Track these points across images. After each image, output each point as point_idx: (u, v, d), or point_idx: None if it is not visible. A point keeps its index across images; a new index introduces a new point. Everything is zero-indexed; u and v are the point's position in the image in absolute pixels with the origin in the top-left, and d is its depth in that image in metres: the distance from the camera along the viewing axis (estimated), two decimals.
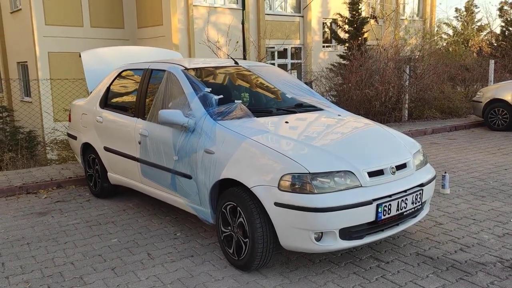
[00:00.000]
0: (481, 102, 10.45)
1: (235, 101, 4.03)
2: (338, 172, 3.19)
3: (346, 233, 3.18)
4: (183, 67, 4.38)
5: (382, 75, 10.68)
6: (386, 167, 3.39)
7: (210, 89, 4.11)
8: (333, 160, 3.28)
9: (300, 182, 3.12)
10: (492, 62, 12.61)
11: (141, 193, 4.94)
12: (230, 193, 3.50)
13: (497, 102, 10.13)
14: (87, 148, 5.56)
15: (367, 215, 3.20)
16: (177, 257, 3.76)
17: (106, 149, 5.10)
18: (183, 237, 4.20)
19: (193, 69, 4.42)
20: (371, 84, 10.55)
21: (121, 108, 5.00)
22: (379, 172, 3.35)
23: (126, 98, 5.03)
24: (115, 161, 5.00)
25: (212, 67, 4.64)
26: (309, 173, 3.12)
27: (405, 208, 3.44)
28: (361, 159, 3.36)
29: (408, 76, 11.13)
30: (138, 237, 4.22)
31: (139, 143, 4.49)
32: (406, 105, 11.16)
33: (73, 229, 4.48)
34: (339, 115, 4.29)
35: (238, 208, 3.41)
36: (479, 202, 5.04)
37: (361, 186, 3.23)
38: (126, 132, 4.72)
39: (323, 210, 3.05)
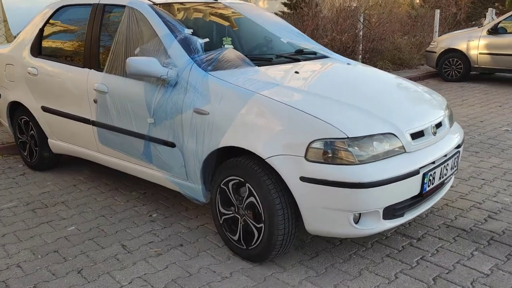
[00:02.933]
0: (435, 52, 10.19)
1: (225, 45, 3.14)
2: (379, 135, 2.49)
3: (390, 211, 2.53)
4: (150, 1, 3.38)
5: (335, 23, 10.04)
6: (427, 127, 2.74)
7: (192, 30, 3.17)
8: (372, 120, 2.57)
9: (336, 150, 2.39)
10: (437, 12, 12.41)
11: (92, 162, 3.97)
12: (234, 166, 2.70)
13: (451, 52, 9.91)
14: (16, 108, 4.40)
15: (413, 187, 2.57)
16: (163, 248, 2.93)
17: (45, 109, 4.01)
18: (161, 219, 3.35)
19: (164, 4, 3.43)
20: (325, 34, 9.90)
21: (63, 57, 3.90)
22: (420, 134, 2.70)
23: (69, 44, 3.91)
24: (59, 125, 3.95)
25: (186, 2, 3.65)
26: (348, 137, 2.39)
27: (445, 175, 2.85)
28: (401, 117, 2.68)
29: (362, 26, 10.59)
30: (103, 222, 3.31)
31: (95, 101, 3.49)
32: (360, 56, 10.69)
33: (10, 214, 3.46)
34: (348, 63, 3.56)
35: (248, 185, 2.63)
36: (475, 158, 4.64)
37: (405, 151, 2.56)
38: (74, 87, 3.67)
39: (368, 185, 2.36)
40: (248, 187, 2.63)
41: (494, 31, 9.32)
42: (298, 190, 2.46)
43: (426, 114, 2.84)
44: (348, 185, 2.36)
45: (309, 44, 3.75)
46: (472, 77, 9.87)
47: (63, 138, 4.00)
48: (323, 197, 2.41)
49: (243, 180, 2.66)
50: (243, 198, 2.70)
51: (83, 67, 3.62)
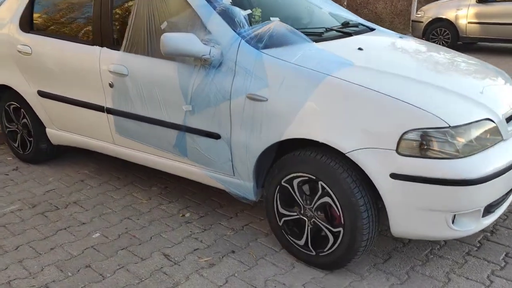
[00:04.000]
0: (422, 22, 9.98)
1: (271, 18, 2.69)
2: (479, 121, 2.16)
3: (487, 208, 2.22)
4: None
5: None
6: None
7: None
8: (469, 104, 2.22)
9: (436, 142, 2.04)
10: None
11: (95, 152, 3.48)
12: (301, 161, 2.31)
13: (439, 22, 9.72)
14: (2, 92, 3.80)
15: (511, 180, 2.27)
16: (213, 257, 2.53)
17: (43, 94, 3.45)
18: (196, 219, 2.94)
19: None
20: None
21: (64, 32, 3.32)
22: (510, 118, 2.39)
23: (70, 17, 3.33)
24: (61, 113, 3.40)
25: None
26: (450, 126, 2.04)
27: None
28: (492, 100, 2.35)
29: None
30: (131, 226, 2.86)
31: (111, 85, 2.98)
32: None
33: (17, 220, 2.95)
34: (400, 37, 3.18)
35: (321, 183, 2.25)
36: None
37: (503, 139, 2.25)
38: (81, 69, 3.13)
39: (474, 182, 2.03)
40: (322, 185, 2.26)
41: None
42: (387, 188, 2.10)
43: (508, 95, 2.53)
44: (451, 183, 2.03)
45: (348, 15, 3.34)
46: (459, 47, 9.74)
47: (66, 128, 3.47)
48: (418, 196, 2.08)
49: (314, 177, 2.28)
50: (313, 198, 2.32)
51: (92, 45, 3.08)
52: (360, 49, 2.62)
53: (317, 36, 2.77)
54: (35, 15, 3.48)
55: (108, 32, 3.01)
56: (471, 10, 9.32)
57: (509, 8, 8.97)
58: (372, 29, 3.19)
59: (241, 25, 2.56)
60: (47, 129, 3.62)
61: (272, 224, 2.56)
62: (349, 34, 2.92)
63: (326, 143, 2.19)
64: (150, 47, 2.79)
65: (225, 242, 2.67)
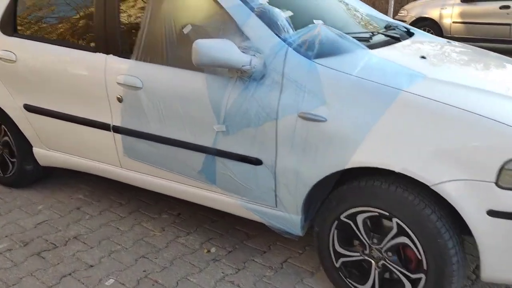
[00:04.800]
0: (405, 21, 9.80)
1: (314, 21, 2.29)
2: None
3: None
4: None
5: None
6: None
7: None
8: None
9: None
10: None
11: (89, 174, 3.02)
12: (370, 193, 1.94)
13: (423, 21, 9.58)
14: None
15: None
16: None
17: (31, 109, 2.93)
18: (224, 255, 2.52)
19: None
20: None
21: (58, 35, 2.81)
22: None
23: (66, 17, 2.82)
24: (54, 130, 2.90)
25: None
26: None
27: None
28: None
29: None
30: (149, 268, 2.41)
31: (119, 100, 2.51)
32: None
33: (8, 265, 2.43)
34: (448, 41, 2.85)
35: (397, 221, 1.89)
36: None
37: None
38: (82, 80, 2.64)
39: None
40: (397, 223, 1.89)
41: None
42: (484, 228, 1.76)
43: None
44: None
45: (383, 16, 3.00)
46: None
47: (59, 148, 2.96)
48: None
49: (387, 213, 1.91)
50: (385, 238, 1.96)
51: (95, 51, 2.59)
52: (423, 57, 2.26)
53: (365, 41, 2.39)
54: (20, 15, 2.95)
55: (115, 36, 2.54)
56: (455, 9, 9.22)
57: (493, 8, 8.91)
58: (412, 33, 2.84)
59: (285, 29, 2.15)
60: (34, 149, 3.10)
61: (325, 264, 2.17)
62: (397, 39, 2.56)
63: (405, 173, 1.82)
64: (170, 55, 2.35)
65: (266, 286, 2.27)
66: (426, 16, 9.52)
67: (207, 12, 2.28)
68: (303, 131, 2.02)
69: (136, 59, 2.44)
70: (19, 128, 3.06)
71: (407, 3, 11.87)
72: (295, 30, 2.19)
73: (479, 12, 8.99)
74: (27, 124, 3.00)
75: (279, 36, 2.12)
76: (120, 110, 2.53)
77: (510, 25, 8.79)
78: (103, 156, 2.75)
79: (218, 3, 2.23)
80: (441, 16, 9.37)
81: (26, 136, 3.07)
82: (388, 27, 2.75)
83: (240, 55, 2.06)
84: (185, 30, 2.31)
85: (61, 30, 2.78)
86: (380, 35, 2.54)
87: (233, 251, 2.56)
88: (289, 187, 2.13)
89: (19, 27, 2.94)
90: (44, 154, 3.06)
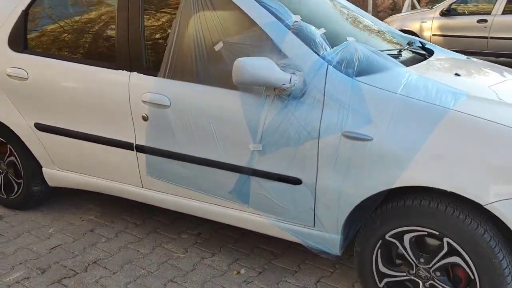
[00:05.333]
0: None
1: (347, 38, 2.28)
2: None
3: None
4: None
5: None
6: None
7: (299, 15, 2.27)
8: None
9: None
10: None
11: (96, 193, 2.92)
12: (417, 212, 1.92)
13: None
14: None
15: None
16: None
17: (42, 127, 2.81)
18: (255, 276, 2.45)
19: None
20: None
21: (73, 52, 2.71)
22: None
23: (81, 32, 2.72)
24: (68, 150, 2.78)
25: None
26: None
27: None
28: None
29: None
30: None
31: (144, 118, 2.43)
32: None
33: None
34: (467, 57, 2.89)
35: (448, 240, 1.87)
36: None
37: None
38: (102, 98, 2.55)
39: None
40: (448, 243, 1.88)
41: (447, 12, 9.32)
42: None
43: None
44: None
45: (395, 30, 3.03)
46: None
47: (72, 168, 2.84)
48: None
49: (436, 233, 1.89)
50: (434, 257, 1.94)
51: (117, 69, 2.51)
52: (457, 74, 2.28)
53: (396, 58, 2.39)
54: (31, 30, 2.83)
55: (139, 53, 2.46)
56: (435, 23, 9.44)
57: (470, 22, 9.18)
58: (432, 50, 2.86)
59: (323, 46, 2.13)
60: (44, 169, 2.96)
61: (367, 284, 2.14)
62: (423, 56, 2.58)
63: (458, 192, 1.82)
64: (200, 72, 2.29)
65: None
66: (407, 29, 9.71)
67: (240, 29, 2.24)
68: (347, 150, 1.99)
69: (164, 76, 2.37)
70: (27, 148, 2.93)
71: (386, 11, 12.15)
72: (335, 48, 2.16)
73: (458, 25, 9.25)
74: (37, 143, 2.87)
75: (318, 54, 2.10)
76: (145, 129, 2.45)
77: (487, 38, 9.08)
78: (123, 176, 2.65)
79: (252, 20, 2.19)
80: (421, 29, 9.58)
81: (36, 156, 2.93)
82: (410, 43, 2.76)
83: (281, 73, 2.03)
84: (216, 48, 2.26)
85: (77, 46, 2.68)
86: (406, 51, 2.55)
87: (263, 271, 2.50)
88: (330, 207, 2.10)
89: (30, 43, 2.82)
90: (55, 175, 2.93)
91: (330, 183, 2.06)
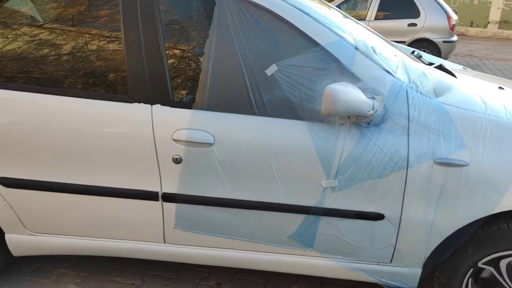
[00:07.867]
0: None
1: (396, 54, 2.14)
2: None
3: None
4: None
5: None
6: None
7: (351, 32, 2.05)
8: None
9: None
10: None
11: (64, 257, 2.37)
12: None
13: None
14: None
15: None
16: None
17: (14, 183, 2.10)
18: None
19: None
20: None
21: (61, 82, 2.05)
22: None
23: (69, 56, 2.08)
24: (53, 206, 2.13)
25: None
26: None
27: None
28: None
29: None
30: None
31: (177, 161, 1.96)
32: None
33: None
34: (464, 67, 2.94)
35: None
36: None
37: None
38: (110, 139, 1.99)
39: None
40: None
41: None
42: None
43: None
44: None
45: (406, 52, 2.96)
46: None
47: (57, 229, 2.19)
48: None
49: None
50: None
51: (132, 102, 1.98)
52: (501, 88, 2.29)
53: None
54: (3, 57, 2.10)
55: (163, 82, 1.97)
56: (370, 26, 9.82)
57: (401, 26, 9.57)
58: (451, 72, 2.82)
59: (393, 68, 1.95)
60: (7, 236, 2.24)
61: None
62: (451, 73, 2.51)
63: None
64: (252, 100, 1.93)
65: None
66: None
67: (296, 50, 1.93)
68: (440, 178, 1.85)
69: (202, 108, 1.94)
70: None
71: None
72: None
73: (389, 28, 9.65)
74: (1, 205, 2.15)
75: (393, 75, 1.91)
76: (179, 174, 1.98)
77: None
78: (139, 233, 2.13)
79: (312, 40, 1.91)
80: None
81: None
82: (419, 56, 2.72)
83: (367, 99, 1.79)
84: (269, 72, 1.92)
85: (63, 74, 2.05)
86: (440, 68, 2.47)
87: None
88: (417, 240, 1.93)
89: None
90: (24, 241, 2.24)
91: (417, 216, 1.90)
